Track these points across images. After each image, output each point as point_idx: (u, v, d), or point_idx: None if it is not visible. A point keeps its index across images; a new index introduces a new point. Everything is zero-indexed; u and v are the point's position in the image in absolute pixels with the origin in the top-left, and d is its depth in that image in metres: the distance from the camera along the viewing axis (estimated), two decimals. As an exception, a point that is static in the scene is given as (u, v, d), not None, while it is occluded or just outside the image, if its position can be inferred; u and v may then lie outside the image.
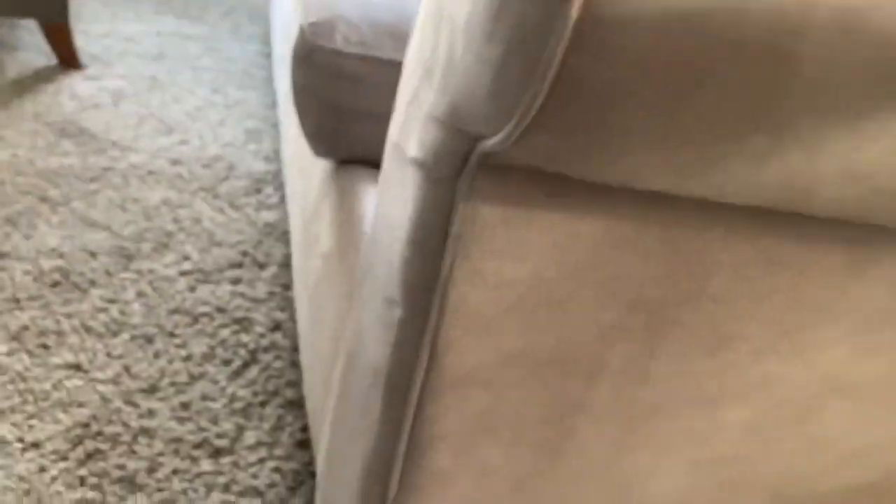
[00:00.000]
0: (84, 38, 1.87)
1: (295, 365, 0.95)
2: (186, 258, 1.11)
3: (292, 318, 1.04)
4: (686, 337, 0.50)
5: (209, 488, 0.77)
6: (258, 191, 1.31)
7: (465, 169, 0.43)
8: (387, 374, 0.51)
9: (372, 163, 0.80)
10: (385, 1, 0.75)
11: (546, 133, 0.37)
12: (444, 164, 0.43)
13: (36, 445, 0.79)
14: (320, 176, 0.86)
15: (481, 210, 0.44)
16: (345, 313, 0.69)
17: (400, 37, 0.72)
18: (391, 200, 0.51)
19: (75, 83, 1.61)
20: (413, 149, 0.46)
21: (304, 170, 0.97)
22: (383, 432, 0.53)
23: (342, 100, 0.74)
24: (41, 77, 1.61)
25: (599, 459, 0.56)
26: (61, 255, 1.07)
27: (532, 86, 0.36)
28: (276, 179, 1.37)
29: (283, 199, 1.31)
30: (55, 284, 1.01)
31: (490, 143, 0.40)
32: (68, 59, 1.68)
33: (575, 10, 0.32)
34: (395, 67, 0.72)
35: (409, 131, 0.47)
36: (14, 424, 0.80)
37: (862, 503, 0.63)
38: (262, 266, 1.13)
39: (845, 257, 0.49)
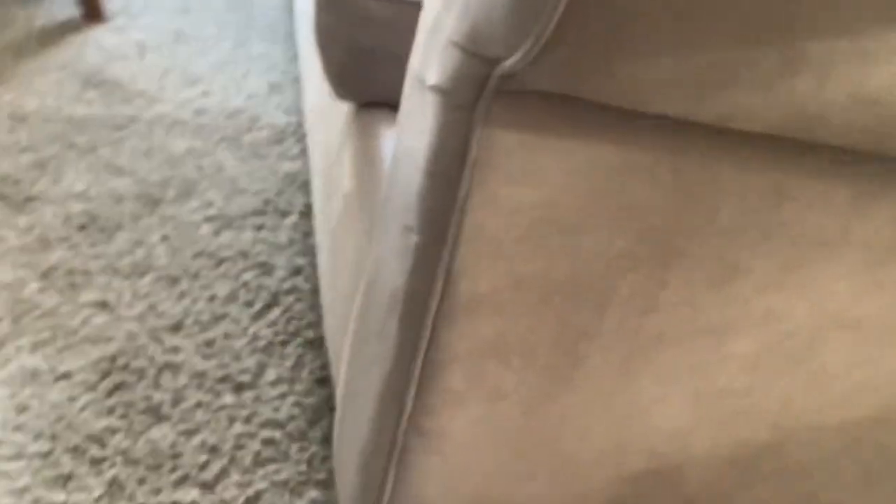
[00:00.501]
0: (109, -8, 1.88)
1: (314, 308, 0.97)
2: (210, 204, 1.13)
3: (312, 264, 1.06)
4: (693, 268, 0.51)
5: (231, 420, 0.80)
6: (280, 142, 1.33)
7: (483, 94, 0.44)
8: (403, 300, 0.53)
9: (393, 105, 0.81)
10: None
11: (562, 50, 0.39)
12: (462, 90, 0.45)
13: (66, 376, 0.82)
14: (342, 119, 0.87)
15: (498, 135, 0.45)
16: (364, 250, 0.71)
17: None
18: (411, 130, 0.52)
19: (101, 35, 1.63)
20: (433, 76, 0.48)
21: (327, 116, 0.98)
22: (399, 356, 0.55)
23: (365, 41, 0.75)
24: (68, 29, 1.63)
25: (607, 386, 0.58)
26: (88, 199, 1.09)
27: (548, 1, 0.37)
28: (298, 132, 1.38)
29: (303, 151, 1.33)
30: (83, 227, 1.04)
31: (508, 64, 0.41)
32: (94, 11, 1.70)
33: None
34: (417, 8, 0.73)
35: (429, 59, 0.49)
36: (46, 357, 0.83)
37: (861, 435, 0.64)
38: (283, 214, 1.15)
39: (852, 190, 0.50)
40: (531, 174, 0.46)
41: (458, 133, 0.46)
